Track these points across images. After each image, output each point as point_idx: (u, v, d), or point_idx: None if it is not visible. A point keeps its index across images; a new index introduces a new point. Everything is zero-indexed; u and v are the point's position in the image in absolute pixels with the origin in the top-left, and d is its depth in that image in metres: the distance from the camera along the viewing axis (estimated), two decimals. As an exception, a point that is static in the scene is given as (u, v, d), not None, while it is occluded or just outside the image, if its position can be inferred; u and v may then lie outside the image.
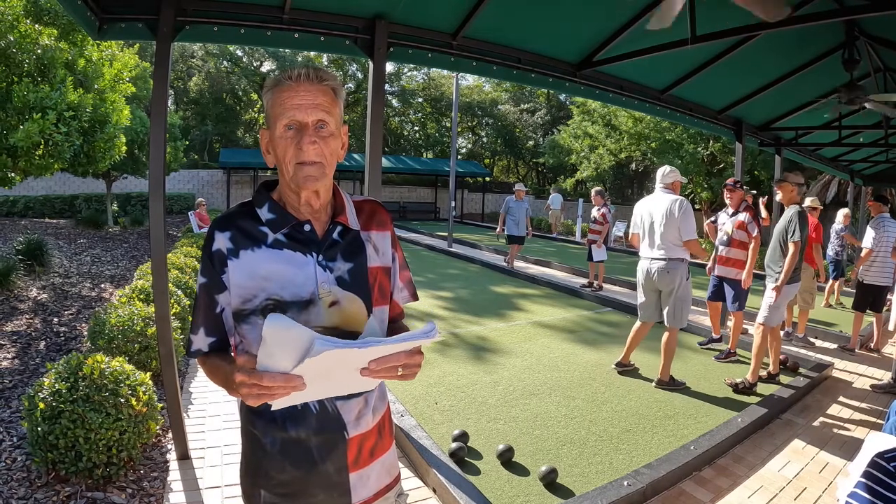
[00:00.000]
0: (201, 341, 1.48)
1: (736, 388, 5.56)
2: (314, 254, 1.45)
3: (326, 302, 1.43)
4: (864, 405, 5.43)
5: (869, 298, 7.38)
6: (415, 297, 1.75)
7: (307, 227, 1.46)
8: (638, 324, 5.83)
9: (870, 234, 7.44)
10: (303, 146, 1.37)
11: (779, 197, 5.93)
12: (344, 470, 1.50)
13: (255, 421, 1.48)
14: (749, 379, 5.59)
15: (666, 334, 5.55)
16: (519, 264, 14.97)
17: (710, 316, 7.33)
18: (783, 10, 3.72)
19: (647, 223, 5.61)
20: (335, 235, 1.49)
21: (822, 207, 8.12)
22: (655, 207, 5.56)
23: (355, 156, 28.51)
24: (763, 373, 5.91)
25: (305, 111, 1.37)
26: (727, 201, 6.77)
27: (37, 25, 8.20)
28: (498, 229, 13.78)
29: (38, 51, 8.01)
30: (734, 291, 6.71)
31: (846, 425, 4.91)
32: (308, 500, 1.50)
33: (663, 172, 5.73)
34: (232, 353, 1.52)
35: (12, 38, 7.55)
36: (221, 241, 1.43)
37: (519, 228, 13.08)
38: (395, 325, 1.66)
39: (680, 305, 5.46)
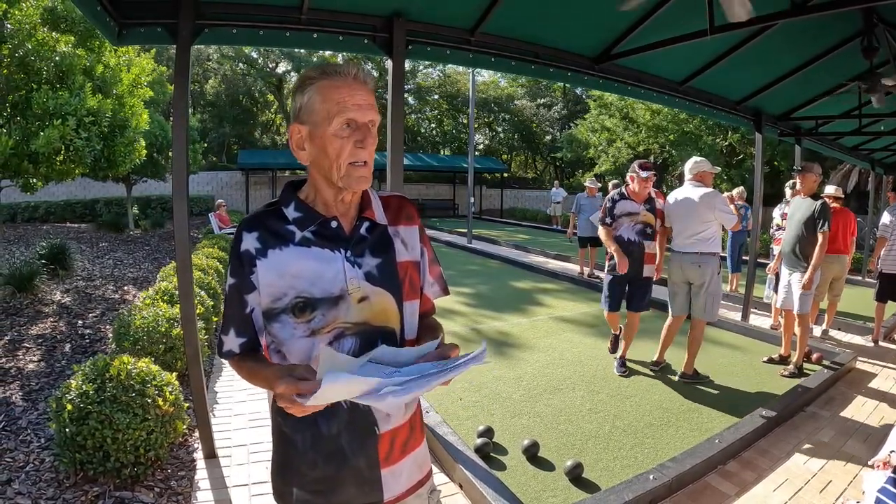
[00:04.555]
0: (232, 342, 1.49)
1: (792, 374, 5.76)
2: (342, 250, 1.45)
3: (355, 297, 1.43)
4: (888, 397, 5.36)
5: (889, 288, 7.25)
6: (446, 292, 1.75)
7: (334, 224, 1.46)
8: (670, 319, 5.78)
9: (885, 218, 7.33)
10: (366, 145, 1.39)
11: (798, 186, 5.89)
12: (375, 466, 1.50)
13: (286, 418, 1.48)
14: (795, 363, 5.85)
15: (693, 327, 5.53)
16: (538, 259, 14.90)
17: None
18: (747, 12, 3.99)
19: (677, 217, 5.57)
20: (363, 231, 1.50)
21: (843, 196, 8.02)
22: (684, 201, 5.52)
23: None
24: (775, 355, 6.33)
25: (364, 111, 1.38)
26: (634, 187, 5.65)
27: (54, 33, 8.30)
28: (569, 232, 12.52)
29: (56, 58, 8.11)
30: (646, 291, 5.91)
31: (871, 417, 4.86)
32: (340, 497, 1.51)
33: (690, 164, 5.68)
34: (264, 354, 1.53)
35: (30, 47, 7.67)
36: (249, 242, 1.43)
37: (593, 229, 10.72)
38: (425, 321, 1.65)
39: (711, 299, 5.42)
